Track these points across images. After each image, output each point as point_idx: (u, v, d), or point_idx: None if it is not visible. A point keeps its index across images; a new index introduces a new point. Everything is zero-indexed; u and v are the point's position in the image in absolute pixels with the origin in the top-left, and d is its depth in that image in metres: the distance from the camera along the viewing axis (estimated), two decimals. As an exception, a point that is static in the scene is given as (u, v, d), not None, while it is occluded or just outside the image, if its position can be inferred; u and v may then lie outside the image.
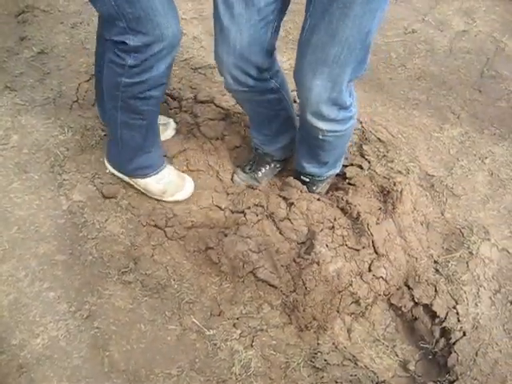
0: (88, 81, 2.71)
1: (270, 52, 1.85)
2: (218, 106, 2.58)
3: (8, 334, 1.86)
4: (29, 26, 2.97)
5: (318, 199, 2.18)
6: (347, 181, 2.37)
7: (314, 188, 2.30)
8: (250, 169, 2.39)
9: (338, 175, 2.38)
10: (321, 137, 1.94)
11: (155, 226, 2.16)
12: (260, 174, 2.38)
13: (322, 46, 1.61)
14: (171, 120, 2.53)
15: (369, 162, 2.37)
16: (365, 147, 2.46)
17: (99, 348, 1.86)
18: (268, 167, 2.38)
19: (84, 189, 2.28)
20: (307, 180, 2.28)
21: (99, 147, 2.44)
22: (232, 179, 2.43)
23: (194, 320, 1.94)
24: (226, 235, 2.09)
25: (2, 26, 2.88)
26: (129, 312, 1.95)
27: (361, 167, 2.39)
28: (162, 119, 2.43)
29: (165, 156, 2.32)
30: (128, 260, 2.07)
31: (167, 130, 2.48)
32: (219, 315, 1.97)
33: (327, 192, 2.37)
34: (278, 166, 2.41)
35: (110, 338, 1.89)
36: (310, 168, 2.21)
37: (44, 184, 2.30)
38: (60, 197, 2.26)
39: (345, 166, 2.40)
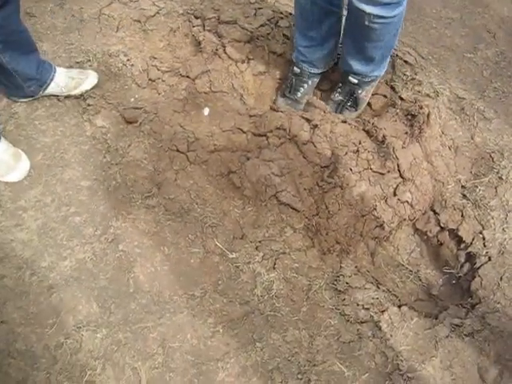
0: (109, 5, 2.64)
1: None
2: (242, 28, 2.51)
3: (38, 257, 1.92)
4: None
5: (343, 121, 2.13)
6: (372, 111, 2.32)
7: (360, 91, 2.26)
8: (289, 92, 2.38)
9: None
10: (367, 23, 1.86)
11: (177, 150, 2.15)
12: (299, 94, 2.37)
13: None
14: (91, 71, 2.36)
15: (393, 89, 2.30)
16: (389, 75, 2.37)
17: (124, 270, 1.90)
18: (306, 85, 2.36)
19: (107, 114, 2.27)
20: (355, 81, 2.23)
21: (123, 74, 2.41)
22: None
23: (216, 243, 1.96)
24: (248, 159, 2.07)
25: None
26: (153, 235, 1.98)
27: (385, 96, 2.32)
28: (77, 73, 2.32)
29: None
30: (151, 185, 2.08)
31: (87, 78, 2.32)
32: (242, 238, 1.99)
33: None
34: (315, 79, 2.38)
35: (135, 260, 1.92)
36: (357, 66, 2.15)
37: (68, 110, 2.29)
38: (84, 123, 2.26)
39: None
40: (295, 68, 2.33)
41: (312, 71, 2.32)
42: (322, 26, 2.13)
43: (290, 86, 2.38)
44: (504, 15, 2.66)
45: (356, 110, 2.33)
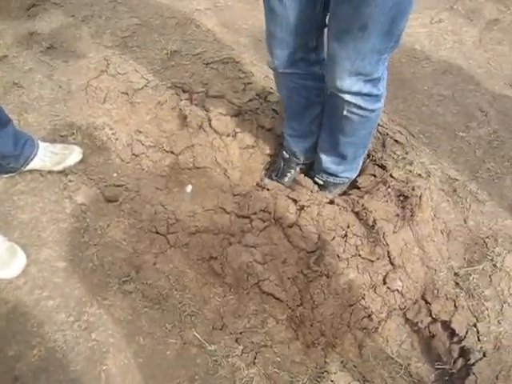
0: (98, 77, 2.62)
1: (319, 30, 1.77)
2: (230, 102, 2.48)
3: (5, 345, 1.80)
4: (39, 19, 2.91)
5: (331, 202, 2.06)
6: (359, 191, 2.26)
7: (326, 192, 2.22)
8: (276, 175, 2.35)
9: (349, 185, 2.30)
10: (345, 112, 1.84)
11: (157, 232, 2.07)
12: (286, 179, 2.34)
13: (346, 18, 1.54)
14: (75, 146, 2.30)
15: (383, 168, 2.24)
16: (379, 154, 2.31)
17: (96, 361, 1.79)
18: (293, 171, 2.34)
19: (88, 191, 2.20)
20: (321, 183, 2.22)
21: (107, 147, 2.36)
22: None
23: (195, 334, 1.85)
24: (230, 243, 1.99)
25: (12, 21, 2.82)
26: (128, 324, 1.87)
27: (374, 176, 2.26)
28: (61, 148, 2.27)
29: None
30: (129, 268, 1.99)
31: (71, 154, 2.26)
32: (221, 329, 1.88)
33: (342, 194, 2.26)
34: (302, 167, 2.36)
35: (108, 351, 1.81)
36: (328, 163, 2.14)
37: (48, 186, 2.23)
38: (64, 199, 2.19)
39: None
40: (284, 153, 2.31)
41: (298, 161, 2.31)
42: (304, 119, 2.12)
43: (277, 170, 2.35)
44: (496, 93, 2.63)
45: None
